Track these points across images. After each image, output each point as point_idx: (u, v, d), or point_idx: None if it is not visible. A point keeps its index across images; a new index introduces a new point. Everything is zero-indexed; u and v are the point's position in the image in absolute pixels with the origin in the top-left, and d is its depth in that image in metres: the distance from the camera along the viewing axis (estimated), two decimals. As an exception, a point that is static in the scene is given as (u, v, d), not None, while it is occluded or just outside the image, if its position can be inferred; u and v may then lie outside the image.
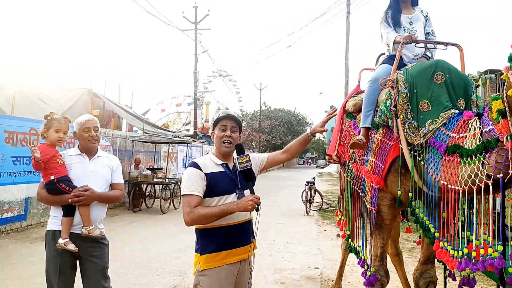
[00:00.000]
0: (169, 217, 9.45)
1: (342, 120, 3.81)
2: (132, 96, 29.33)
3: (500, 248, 1.87)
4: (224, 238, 2.14)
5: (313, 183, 11.21)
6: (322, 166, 49.48)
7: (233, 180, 2.19)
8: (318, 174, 26.81)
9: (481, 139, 2.03)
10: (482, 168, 1.99)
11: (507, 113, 1.83)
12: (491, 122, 1.97)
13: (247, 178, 2.19)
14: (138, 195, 10.56)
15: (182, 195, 2.13)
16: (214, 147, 2.31)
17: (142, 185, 10.65)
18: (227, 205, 2.05)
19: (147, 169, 11.26)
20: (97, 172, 2.66)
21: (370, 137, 3.05)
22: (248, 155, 2.22)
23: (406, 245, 6.55)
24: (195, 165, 2.16)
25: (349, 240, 3.66)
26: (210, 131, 2.31)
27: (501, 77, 1.84)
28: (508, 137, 1.82)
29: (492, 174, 1.94)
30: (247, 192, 2.18)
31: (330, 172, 35.20)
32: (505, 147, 1.84)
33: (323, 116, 2.62)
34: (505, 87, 1.86)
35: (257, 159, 2.46)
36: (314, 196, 11.04)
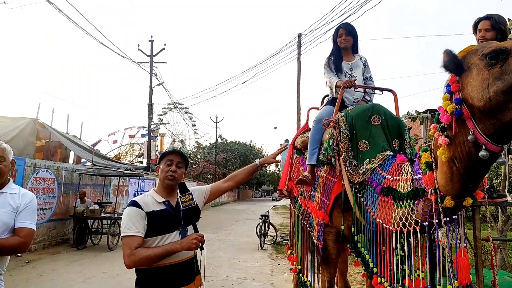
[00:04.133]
0: (116, 255, 8.95)
1: (292, 156, 3.96)
2: (81, 126, 28.09)
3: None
4: (165, 278, 2.06)
5: (267, 216, 11.23)
6: (277, 199, 49.75)
7: (175, 217, 2.13)
8: (273, 206, 26.87)
9: (411, 185, 2.20)
10: (412, 213, 2.16)
11: (434, 167, 2.02)
12: (420, 171, 2.14)
13: (191, 216, 2.17)
14: (83, 231, 9.98)
15: (122, 237, 2.04)
16: (157, 183, 2.28)
17: (89, 220, 10.10)
18: (170, 245, 2.01)
19: (95, 203, 10.73)
20: None
21: (316, 174, 3.19)
22: (191, 193, 2.21)
23: (356, 278, 6.67)
24: (135, 204, 2.09)
25: (300, 274, 3.70)
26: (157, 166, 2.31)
27: (429, 133, 2.03)
28: (432, 191, 2.00)
29: (419, 220, 2.12)
30: (190, 228, 2.15)
31: (285, 205, 35.43)
32: (430, 198, 2.02)
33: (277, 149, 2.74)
34: (432, 142, 2.05)
35: (200, 191, 2.43)
36: (268, 229, 11.04)
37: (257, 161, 2.57)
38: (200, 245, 2.03)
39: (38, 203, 9.42)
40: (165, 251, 1.98)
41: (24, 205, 2.17)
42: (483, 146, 1.71)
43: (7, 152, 2.21)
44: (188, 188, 2.37)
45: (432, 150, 2.05)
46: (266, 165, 2.64)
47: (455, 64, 1.77)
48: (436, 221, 2.04)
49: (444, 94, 1.87)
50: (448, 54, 1.77)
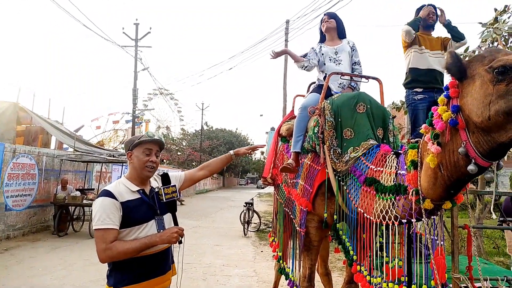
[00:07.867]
0: (99, 241, 8.86)
1: (277, 143, 3.95)
2: (63, 111, 27.31)
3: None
4: (141, 269, 1.98)
5: (251, 204, 11.29)
6: (262, 186, 49.97)
7: (151, 206, 2.05)
8: (258, 194, 26.97)
9: (395, 180, 2.16)
10: (392, 208, 2.14)
11: (419, 166, 1.97)
12: (405, 167, 2.10)
13: (168, 205, 2.11)
14: (64, 218, 9.81)
15: (95, 229, 1.90)
16: (129, 171, 2.16)
17: (70, 207, 9.94)
18: (148, 238, 1.92)
19: (76, 190, 10.55)
20: None
21: (300, 162, 3.19)
22: (175, 185, 2.13)
23: (337, 264, 6.80)
24: (109, 194, 1.95)
25: (281, 261, 3.73)
26: (126, 150, 2.18)
27: (420, 131, 1.96)
28: (414, 192, 1.96)
29: (399, 216, 2.12)
30: (167, 217, 2.09)
31: (270, 192, 35.55)
32: (410, 198, 1.99)
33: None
34: (421, 141, 1.99)
35: (175, 179, 2.35)
36: (252, 217, 11.11)
37: (231, 152, 2.60)
38: (180, 239, 1.99)
39: (18, 189, 9.28)
40: (143, 244, 1.90)
41: None
42: (473, 160, 1.65)
43: None
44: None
45: (419, 149, 2.00)
46: (239, 156, 2.65)
47: (458, 68, 1.67)
48: (414, 220, 2.04)
49: (441, 96, 1.78)
50: (452, 56, 1.67)
